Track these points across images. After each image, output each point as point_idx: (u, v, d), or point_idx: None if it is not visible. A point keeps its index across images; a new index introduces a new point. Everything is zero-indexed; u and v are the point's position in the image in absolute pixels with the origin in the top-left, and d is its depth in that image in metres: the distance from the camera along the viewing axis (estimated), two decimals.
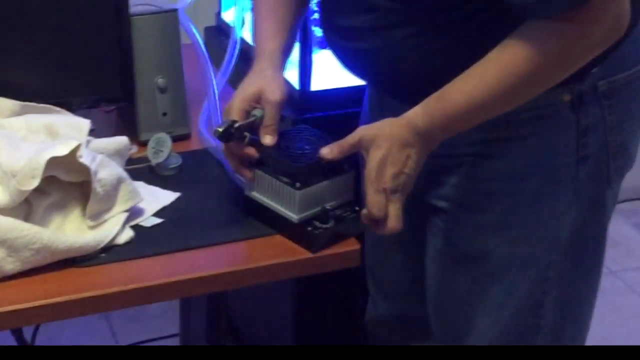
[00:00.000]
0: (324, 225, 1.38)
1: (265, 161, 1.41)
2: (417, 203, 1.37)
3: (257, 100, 1.41)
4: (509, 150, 1.33)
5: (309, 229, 1.38)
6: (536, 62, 1.19)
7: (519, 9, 1.18)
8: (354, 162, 1.41)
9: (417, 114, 1.26)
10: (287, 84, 1.45)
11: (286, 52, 1.49)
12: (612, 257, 2.93)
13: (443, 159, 1.35)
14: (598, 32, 1.18)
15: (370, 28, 1.31)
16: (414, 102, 1.28)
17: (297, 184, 1.36)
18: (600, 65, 1.30)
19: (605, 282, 2.80)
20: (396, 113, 1.30)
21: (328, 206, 1.39)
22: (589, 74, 1.30)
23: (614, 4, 1.17)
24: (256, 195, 1.44)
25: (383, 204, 1.26)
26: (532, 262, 1.39)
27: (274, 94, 1.40)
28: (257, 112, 1.40)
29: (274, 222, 1.42)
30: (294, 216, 1.39)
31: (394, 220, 1.27)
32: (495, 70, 1.21)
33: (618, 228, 3.07)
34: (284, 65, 1.48)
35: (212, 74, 1.73)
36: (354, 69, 1.43)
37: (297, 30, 1.53)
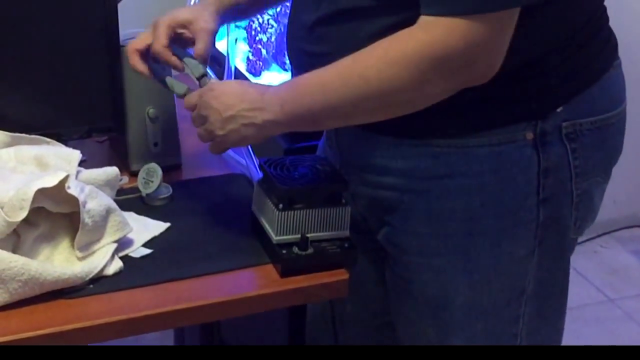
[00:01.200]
0: (300, 252, 1.38)
1: (265, 178, 1.43)
2: (375, 252, 1.34)
3: (185, 26, 1.42)
4: (466, 188, 1.27)
5: (283, 252, 1.38)
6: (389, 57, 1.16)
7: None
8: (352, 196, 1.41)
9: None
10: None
11: (229, 13, 1.48)
12: (610, 285, 2.92)
13: (394, 191, 1.31)
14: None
15: (330, 16, 1.26)
16: (374, 127, 1.25)
17: (280, 205, 1.37)
18: (565, 106, 1.26)
19: (604, 310, 2.82)
20: (352, 140, 1.27)
21: (312, 235, 1.38)
22: (553, 113, 1.26)
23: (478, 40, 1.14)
24: (255, 209, 1.46)
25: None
26: (494, 311, 1.33)
27: (208, 23, 1.42)
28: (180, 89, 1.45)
29: (262, 240, 1.43)
30: (273, 236, 1.39)
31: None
32: (354, 57, 1.19)
33: (616, 255, 3.05)
34: (221, 20, 1.48)
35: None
36: None
37: (247, 12, 1.54)
